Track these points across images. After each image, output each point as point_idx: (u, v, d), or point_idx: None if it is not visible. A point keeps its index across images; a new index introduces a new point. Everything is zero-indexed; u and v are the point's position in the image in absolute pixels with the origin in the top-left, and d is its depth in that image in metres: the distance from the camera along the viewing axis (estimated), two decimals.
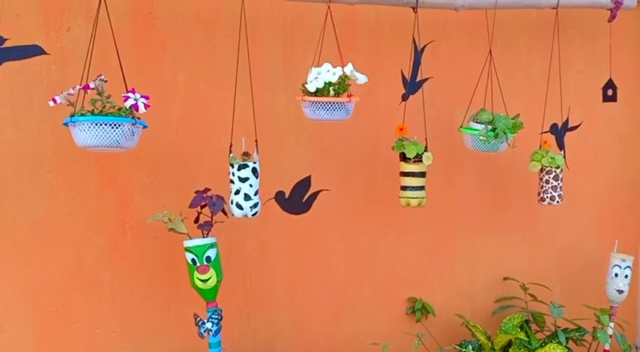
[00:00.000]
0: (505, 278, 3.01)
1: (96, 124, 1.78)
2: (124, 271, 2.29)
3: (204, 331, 2.13)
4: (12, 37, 2.07)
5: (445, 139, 2.72)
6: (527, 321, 2.75)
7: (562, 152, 2.63)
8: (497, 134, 2.33)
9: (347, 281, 2.70)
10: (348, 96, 2.11)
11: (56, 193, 2.18)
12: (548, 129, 2.67)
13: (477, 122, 2.43)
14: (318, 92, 2.07)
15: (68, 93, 1.84)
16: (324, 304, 2.66)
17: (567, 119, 2.70)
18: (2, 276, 2.14)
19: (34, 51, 2.12)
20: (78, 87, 1.83)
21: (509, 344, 2.67)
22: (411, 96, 2.56)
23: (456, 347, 2.65)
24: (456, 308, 2.90)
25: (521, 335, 2.61)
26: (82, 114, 1.79)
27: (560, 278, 3.15)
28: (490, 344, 2.67)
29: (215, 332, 2.14)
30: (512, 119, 2.41)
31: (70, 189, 2.20)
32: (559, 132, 2.70)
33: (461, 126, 2.49)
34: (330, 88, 2.06)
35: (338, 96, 2.07)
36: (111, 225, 2.27)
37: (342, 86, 2.09)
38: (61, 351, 2.23)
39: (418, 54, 2.44)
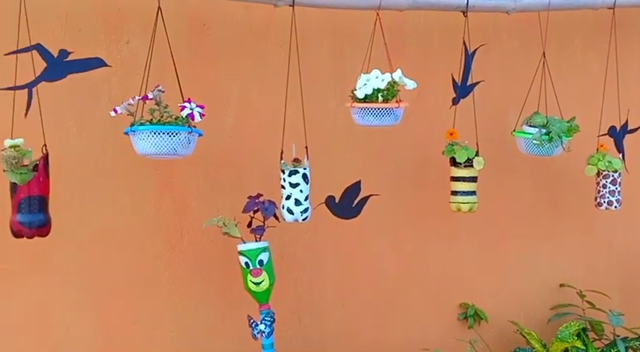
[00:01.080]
0: (561, 285, 2.95)
1: (154, 133, 1.86)
2: (181, 274, 2.38)
3: (258, 333, 2.19)
4: (75, 51, 2.20)
5: (497, 143, 2.70)
6: (584, 329, 2.69)
7: (620, 155, 2.55)
8: (552, 138, 2.30)
9: (397, 286, 2.72)
10: (396, 102, 2.13)
11: (117, 199, 2.29)
12: (605, 132, 2.60)
13: (530, 126, 2.40)
14: (366, 98, 2.10)
15: (128, 104, 1.94)
16: (375, 308, 2.68)
17: (626, 121, 2.62)
18: (68, 278, 2.26)
19: (96, 63, 2.23)
20: (137, 97, 1.92)
21: None
22: (461, 100, 2.55)
23: None
24: (510, 315, 2.86)
25: (578, 344, 2.55)
26: (142, 124, 1.88)
27: (619, 285, 3.05)
28: None
29: (268, 334, 2.19)
30: (567, 122, 2.37)
31: (130, 195, 2.30)
32: (617, 134, 2.63)
33: (514, 130, 2.47)
34: (379, 94, 2.08)
35: (387, 102, 2.10)
36: (169, 230, 2.36)
37: (390, 92, 2.11)
38: (122, 348, 2.33)
39: (469, 57, 2.43)
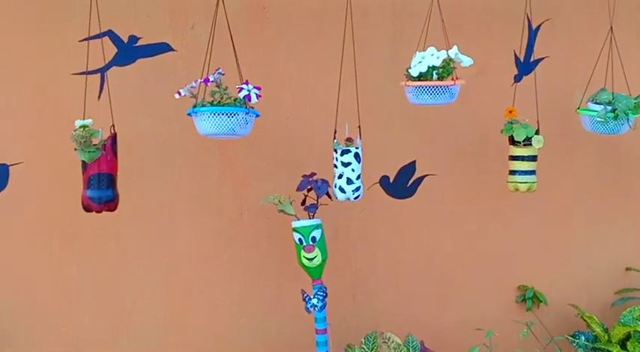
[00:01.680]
0: (627, 269, 2.85)
1: (214, 114, 1.96)
2: (241, 248, 2.50)
3: (311, 306, 2.27)
4: (144, 36, 2.34)
5: (562, 122, 2.62)
6: None
7: None
8: (617, 115, 2.21)
9: (452, 267, 2.71)
10: (452, 79, 2.10)
11: (183, 177, 2.42)
12: None
13: (595, 103, 2.32)
14: (421, 76, 2.08)
15: (191, 87, 2.04)
16: (429, 288, 2.69)
17: None
18: (140, 250, 2.43)
19: (164, 48, 2.38)
20: (199, 80, 2.02)
21: (628, 337, 2.53)
22: (524, 77, 2.48)
23: (569, 337, 2.56)
24: (571, 299, 2.79)
25: None
26: (203, 105, 1.98)
27: None
28: (607, 337, 2.54)
29: (320, 307, 2.27)
30: (635, 99, 2.26)
31: (195, 173, 2.43)
32: None
33: (578, 108, 2.39)
34: (434, 72, 2.06)
35: (442, 80, 2.07)
36: (230, 207, 2.48)
37: (446, 69, 2.08)
38: (188, 317, 2.49)
39: (532, 33, 2.36)
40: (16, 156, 2.27)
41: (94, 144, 1.95)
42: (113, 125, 2.01)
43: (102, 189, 1.98)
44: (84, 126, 1.90)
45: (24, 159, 2.27)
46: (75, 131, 1.91)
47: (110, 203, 2.01)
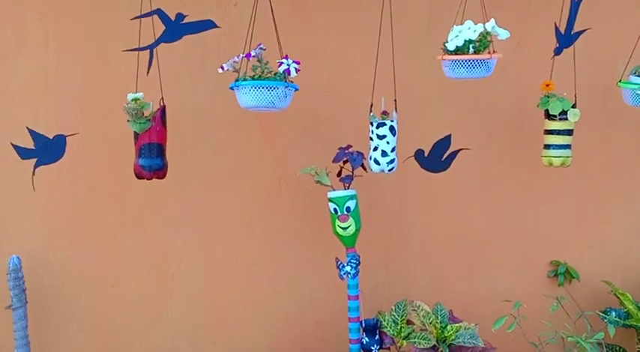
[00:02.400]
0: None
1: (255, 88, 2.05)
2: (278, 218, 2.61)
3: (344, 274, 2.37)
4: (190, 14, 2.44)
5: (602, 96, 2.60)
6: None
7: None
8: None
9: (485, 240, 2.76)
10: (489, 53, 2.10)
11: (225, 149, 2.55)
12: None
13: (638, 75, 2.27)
14: (458, 50, 2.10)
15: (234, 61, 2.14)
16: (461, 260, 2.75)
17: None
18: (181, 219, 2.57)
19: (208, 25, 2.48)
20: (242, 55, 2.11)
21: None
22: (564, 50, 2.46)
23: (599, 313, 2.58)
24: (605, 276, 2.78)
25: None
26: (244, 79, 2.08)
27: None
28: (639, 315, 2.55)
29: (353, 275, 2.36)
30: None
31: (235, 145, 2.55)
32: None
33: (619, 81, 2.34)
34: (470, 46, 2.08)
35: (478, 54, 2.09)
36: (269, 178, 2.59)
37: (483, 43, 2.08)
38: (226, 284, 2.64)
39: (575, 4, 2.34)
40: (72, 128, 2.43)
41: (145, 116, 2.09)
42: (162, 98, 2.14)
43: (152, 158, 2.12)
44: (135, 99, 2.04)
45: (79, 131, 2.44)
46: (127, 104, 2.05)
47: (159, 171, 2.15)
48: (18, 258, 2.37)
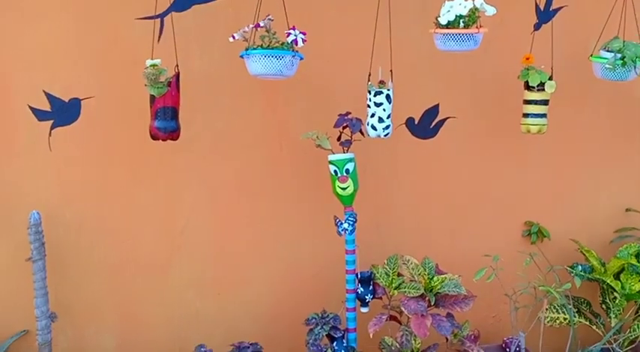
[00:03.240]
0: (627, 210, 3.09)
1: (264, 56, 2.21)
2: (281, 180, 2.80)
3: (342, 230, 2.57)
4: None
5: (577, 69, 2.76)
6: None
7: None
8: (625, 62, 2.36)
9: (468, 202, 2.99)
10: (476, 27, 2.27)
11: (231, 114, 2.70)
12: None
13: (607, 51, 2.45)
14: (449, 24, 2.26)
15: (244, 31, 2.29)
16: (446, 220, 2.99)
17: None
18: (190, 178, 2.73)
19: None
20: (251, 25, 2.27)
21: (622, 270, 2.82)
22: (543, 26, 2.64)
23: (567, 267, 2.86)
24: (574, 235, 3.06)
25: (633, 261, 2.74)
26: (254, 48, 2.23)
27: None
28: (603, 269, 2.84)
29: (350, 231, 2.58)
30: None
31: (241, 110, 2.70)
32: None
33: (591, 55, 2.53)
34: (461, 21, 2.24)
35: (467, 28, 2.26)
36: (271, 142, 2.76)
37: (471, 18, 2.24)
38: (231, 239, 2.81)
39: None
40: (87, 92, 2.56)
41: (161, 81, 2.24)
42: (177, 65, 2.29)
43: (167, 121, 2.28)
44: (153, 65, 2.19)
45: (94, 94, 2.57)
46: (146, 69, 2.20)
47: (173, 133, 2.32)
48: (38, 213, 2.51)
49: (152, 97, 2.28)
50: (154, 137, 2.33)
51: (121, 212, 2.69)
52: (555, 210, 3.06)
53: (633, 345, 2.85)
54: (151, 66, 2.22)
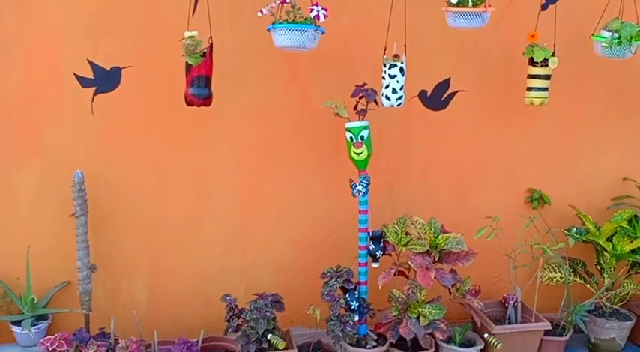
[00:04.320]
0: (624, 179, 3.30)
1: (289, 30, 2.40)
2: (302, 145, 3.01)
3: (357, 192, 2.79)
4: None
5: (579, 47, 2.96)
6: (636, 216, 3.05)
7: None
8: (621, 41, 2.55)
9: (474, 169, 3.20)
10: (484, 6, 2.47)
11: (257, 84, 2.90)
12: None
13: (607, 30, 2.64)
14: (459, 3, 2.46)
15: (271, 7, 2.48)
16: (453, 186, 3.20)
17: None
18: (218, 144, 2.94)
19: None
20: (278, 1, 2.46)
21: (615, 233, 3.04)
22: (550, 6, 2.81)
23: (564, 230, 3.08)
24: (573, 202, 3.27)
25: (624, 224, 2.95)
26: (280, 23, 2.42)
27: None
28: (597, 232, 3.06)
29: (364, 193, 2.80)
30: (638, 28, 2.58)
31: (267, 81, 2.91)
32: None
33: (592, 34, 2.71)
34: (469, 0, 2.45)
35: (476, 7, 2.45)
36: (294, 111, 2.97)
37: None
38: (255, 200, 3.04)
39: None
40: (127, 61, 2.78)
41: (198, 52, 2.45)
42: (211, 37, 2.51)
43: (201, 88, 2.49)
44: (191, 37, 2.41)
45: (133, 64, 2.78)
46: (185, 40, 2.41)
47: (207, 99, 2.53)
48: (81, 172, 2.73)
49: (188, 66, 2.48)
50: (189, 103, 2.53)
51: (156, 173, 2.91)
52: (556, 178, 3.27)
53: (623, 302, 3.09)
54: (189, 37, 2.42)
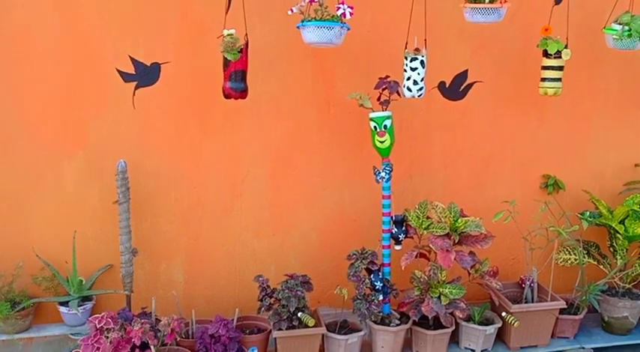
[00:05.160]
0: (636, 165, 3.42)
1: (317, 27, 2.56)
2: (327, 135, 3.17)
3: (380, 178, 2.95)
4: None
5: (592, 39, 3.09)
6: None
7: None
8: (631, 34, 2.68)
9: (491, 157, 3.35)
10: (500, 2, 2.60)
11: (286, 78, 3.07)
12: None
13: (618, 23, 2.76)
14: (477, 0, 2.61)
15: (300, 5, 2.65)
16: (471, 173, 3.35)
17: None
18: (250, 135, 3.10)
19: None
20: (307, 0, 2.62)
21: (627, 216, 3.17)
22: (564, 0, 2.93)
23: (578, 214, 3.22)
24: (586, 187, 3.40)
25: (636, 207, 3.09)
26: (309, 20, 2.58)
27: None
28: (610, 216, 3.19)
29: (387, 179, 2.96)
30: None
31: (294, 75, 3.07)
32: None
33: (604, 27, 2.83)
34: None
35: (492, 3, 2.59)
36: (320, 103, 3.13)
37: None
38: (284, 188, 3.20)
39: None
40: (165, 57, 2.95)
41: (236, 48, 2.63)
42: (246, 34, 2.68)
43: (238, 82, 2.67)
44: (230, 35, 2.59)
45: (171, 60, 2.96)
46: (224, 37, 2.59)
47: (243, 92, 2.71)
48: (124, 161, 2.91)
49: (226, 62, 2.64)
50: (227, 96, 2.70)
51: (192, 163, 3.09)
52: (570, 165, 3.40)
53: (635, 282, 3.22)
54: (228, 35, 2.60)
